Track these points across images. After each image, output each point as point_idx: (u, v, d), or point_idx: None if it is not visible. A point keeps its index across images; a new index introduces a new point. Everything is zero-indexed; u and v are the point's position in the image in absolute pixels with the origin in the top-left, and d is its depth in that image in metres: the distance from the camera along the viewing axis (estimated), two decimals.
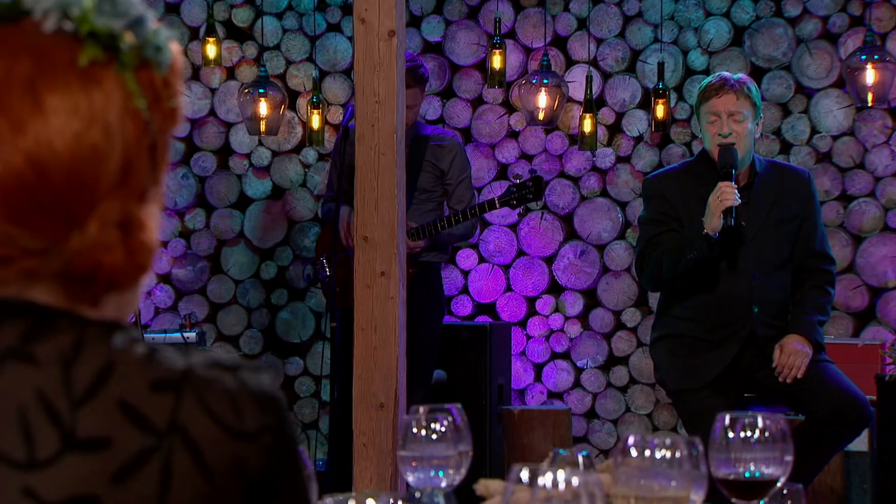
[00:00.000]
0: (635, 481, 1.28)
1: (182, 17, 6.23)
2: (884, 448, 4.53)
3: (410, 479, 1.51)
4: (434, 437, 1.53)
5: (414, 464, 1.50)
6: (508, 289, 6.00)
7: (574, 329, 5.93)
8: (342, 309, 5.11)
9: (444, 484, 1.50)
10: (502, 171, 5.99)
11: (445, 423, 1.55)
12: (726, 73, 4.03)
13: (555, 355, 5.95)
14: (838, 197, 5.67)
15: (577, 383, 5.93)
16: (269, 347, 6.20)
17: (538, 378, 5.96)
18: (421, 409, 1.57)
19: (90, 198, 0.93)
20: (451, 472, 1.50)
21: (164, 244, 6.26)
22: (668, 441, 1.28)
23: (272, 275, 6.18)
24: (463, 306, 6.02)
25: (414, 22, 6.08)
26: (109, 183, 0.93)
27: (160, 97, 0.97)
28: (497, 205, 4.98)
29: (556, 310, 5.95)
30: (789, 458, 1.44)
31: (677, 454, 1.28)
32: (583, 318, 5.93)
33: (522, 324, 5.97)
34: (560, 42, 5.95)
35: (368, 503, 1.06)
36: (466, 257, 6.03)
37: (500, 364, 5.62)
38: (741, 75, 4.02)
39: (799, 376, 3.78)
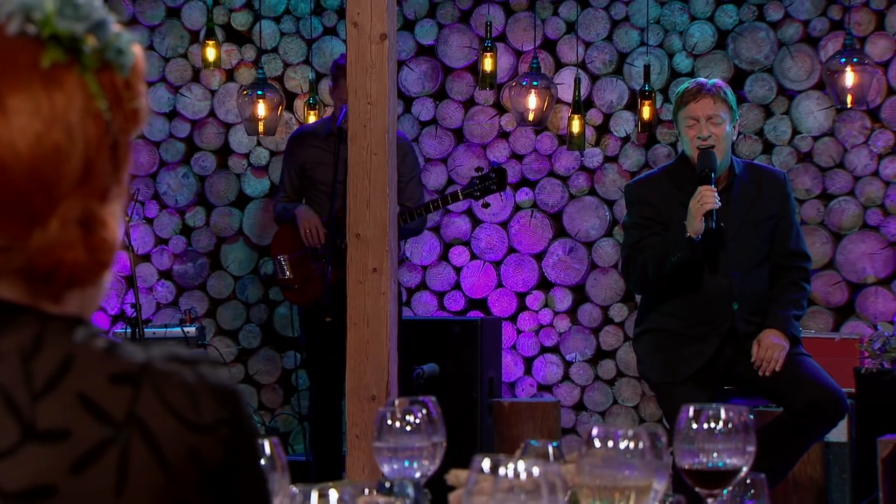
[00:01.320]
0: (598, 471, 1.28)
1: (182, 20, 6.23)
2: (862, 439, 4.53)
3: (385, 469, 1.50)
4: (409, 428, 1.52)
5: (388, 454, 1.50)
6: (499, 285, 6.00)
7: (563, 324, 5.93)
8: (301, 307, 5.11)
9: (417, 474, 1.50)
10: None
11: (420, 414, 1.54)
12: (702, 79, 4.03)
13: (544, 349, 5.95)
14: (819, 195, 5.67)
15: (565, 376, 5.92)
16: (267, 342, 6.20)
17: (528, 371, 5.96)
18: (397, 402, 1.56)
19: (52, 197, 0.93)
20: (425, 462, 1.50)
21: (166, 241, 6.25)
22: (630, 433, 1.28)
23: (270, 271, 6.18)
24: (455, 302, 6.02)
25: (408, 25, 6.07)
26: (71, 182, 0.93)
27: (122, 98, 0.97)
28: (460, 196, 4.97)
29: (546, 305, 5.95)
30: (751, 448, 1.44)
31: (640, 445, 1.28)
32: (571, 313, 5.92)
33: (513, 319, 5.97)
34: (549, 45, 5.95)
35: (331, 493, 1.06)
36: (459, 254, 6.03)
37: (490, 358, 5.62)
38: (717, 80, 4.02)
39: (777, 369, 3.78)
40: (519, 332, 5.97)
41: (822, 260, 5.63)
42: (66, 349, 0.92)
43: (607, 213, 5.88)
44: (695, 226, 3.74)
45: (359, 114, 3.91)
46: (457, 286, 6.03)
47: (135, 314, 5.27)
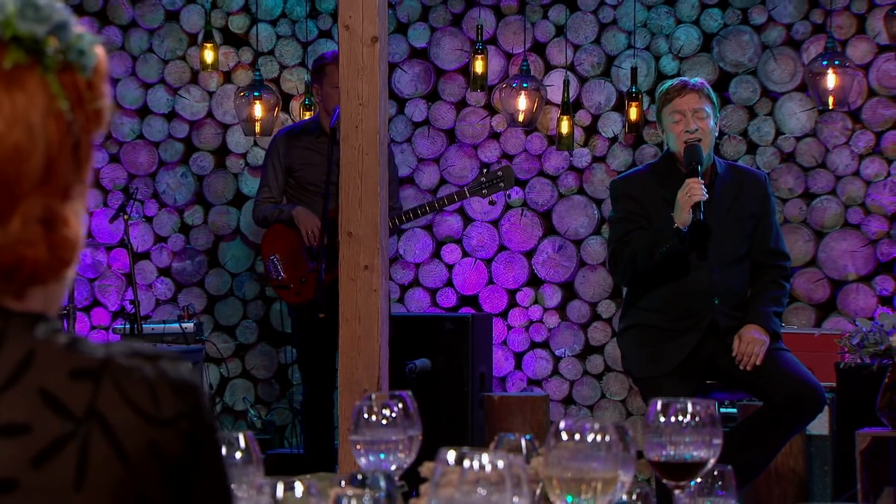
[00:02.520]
0: (566, 463, 1.27)
1: (181, 23, 6.22)
2: (842, 432, 4.53)
3: (362, 462, 1.50)
4: (384, 422, 1.52)
5: (362, 447, 1.50)
6: (490, 282, 6.00)
7: (552, 320, 5.92)
8: (294, 305, 5.08)
9: (393, 467, 1.49)
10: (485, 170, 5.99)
11: (397, 409, 1.54)
12: (685, 77, 4.03)
13: (534, 345, 5.95)
14: (801, 195, 5.67)
15: (555, 371, 5.92)
16: (264, 337, 6.19)
17: (518, 366, 5.96)
18: (374, 396, 1.56)
19: (13, 195, 0.92)
20: (400, 455, 1.50)
21: (165, 239, 6.25)
22: (597, 426, 1.28)
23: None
24: (447, 298, 6.02)
25: (401, 28, 6.07)
26: (32, 181, 0.93)
27: (84, 99, 0.96)
28: (467, 194, 4.95)
29: (536, 301, 5.95)
30: (718, 441, 1.44)
31: (607, 438, 1.28)
32: (561, 309, 5.92)
33: (504, 315, 5.97)
34: (539, 48, 5.95)
35: (296, 486, 1.06)
36: (451, 252, 6.03)
37: (481, 353, 5.62)
38: (698, 78, 4.01)
39: (758, 363, 3.78)
40: (509, 327, 5.97)
41: (804, 257, 5.63)
42: (28, 345, 0.92)
43: (595, 212, 5.88)
44: (682, 217, 3.74)
45: (350, 115, 3.91)
46: (449, 283, 6.03)
47: (134, 310, 5.26)
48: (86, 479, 0.89)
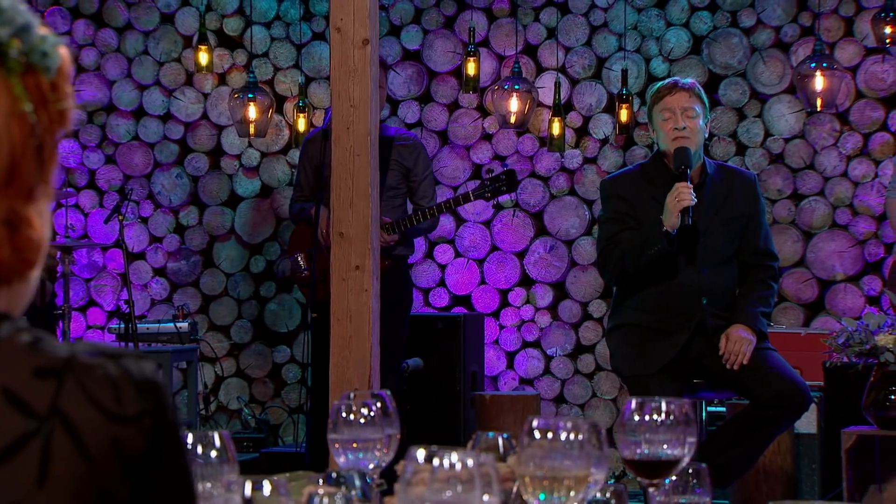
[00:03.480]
0: (538, 462, 1.27)
1: (176, 26, 6.22)
2: (829, 430, 4.53)
3: (341, 460, 1.50)
4: (363, 421, 1.52)
5: (340, 446, 1.50)
6: (483, 282, 6.00)
7: (544, 319, 5.92)
8: (323, 300, 5.08)
9: (371, 465, 1.49)
10: (477, 171, 5.99)
11: (375, 408, 1.54)
12: (676, 77, 4.02)
13: (526, 344, 5.95)
14: (790, 196, 5.67)
15: (546, 370, 5.92)
16: (259, 337, 6.19)
17: (510, 365, 5.96)
18: (353, 395, 1.56)
19: None
20: (378, 454, 1.50)
21: (160, 239, 6.25)
22: (569, 424, 1.28)
23: (261, 268, 6.18)
24: (440, 298, 6.02)
25: (394, 31, 6.07)
26: None
27: (47, 100, 0.96)
28: (472, 198, 4.95)
29: (528, 301, 5.95)
30: (692, 439, 1.44)
31: (580, 436, 1.28)
32: (552, 309, 5.92)
33: (496, 314, 5.97)
34: (531, 50, 5.95)
35: (264, 485, 1.05)
36: (443, 252, 6.03)
37: (473, 352, 5.62)
38: (689, 79, 4.01)
39: (745, 363, 3.78)
40: (501, 327, 5.97)
41: (793, 258, 5.63)
42: None
43: (587, 213, 5.88)
44: (671, 221, 3.74)
45: (342, 116, 3.91)
46: (441, 283, 6.03)
47: (127, 310, 5.26)
48: (48, 476, 0.89)
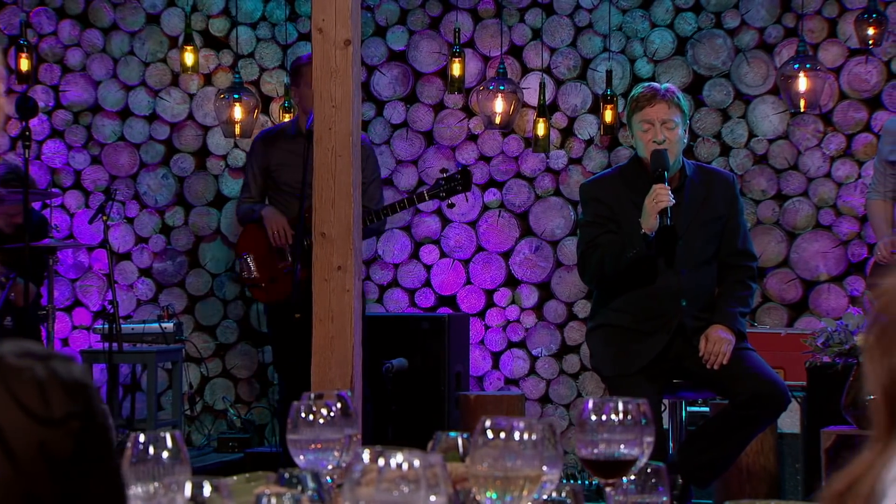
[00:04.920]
0: (490, 461, 1.27)
1: (162, 26, 6.22)
2: (812, 430, 4.54)
3: (300, 460, 1.50)
4: (322, 421, 1.52)
5: (301, 447, 1.49)
6: (468, 282, 6.00)
7: (529, 320, 5.93)
8: (269, 304, 5.08)
9: (330, 466, 1.49)
10: None
11: (335, 408, 1.53)
12: (655, 84, 4.02)
13: (511, 344, 5.95)
14: (774, 196, 5.68)
15: (532, 370, 5.93)
16: (244, 337, 6.19)
17: (496, 365, 5.96)
18: (312, 395, 1.56)
19: None
20: (336, 454, 1.50)
21: (146, 240, 6.24)
22: (522, 424, 1.28)
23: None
24: (426, 298, 6.02)
25: (379, 32, 6.07)
26: None
27: None
28: (426, 197, 4.96)
29: (513, 301, 5.95)
30: (649, 439, 1.44)
31: (534, 436, 1.28)
32: (537, 309, 5.93)
33: (481, 315, 5.97)
34: (516, 51, 5.95)
35: (204, 486, 1.05)
36: (429, 252, 6.03)
37: (458, 352, 5.62)
38: (669, 85, 4.01)
39: (724, 362, 3.79)
40: (487, 327, 5.97)
41: (776, 258, 5.64)
42: None
43: (572, 213, 5.88)
44: (649, 222, 3.75)
45: (324, 117, 3.91)
46: (427, 283, 6.03)
47: (112, 311, 5.25)
48: None
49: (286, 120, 5.86)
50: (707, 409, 4.97)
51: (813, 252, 5.61)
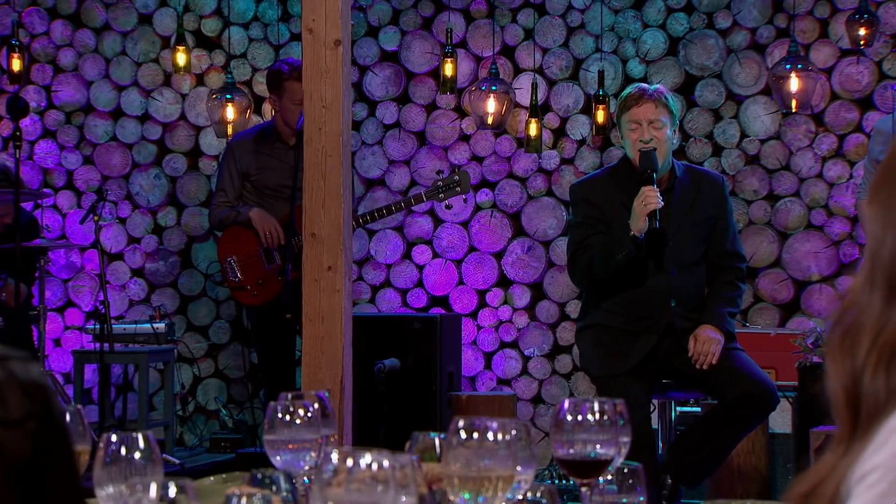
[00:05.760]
0: (463, 461, 1.27)
1: (154, 26, 6.22)
2: (803, 430, 4.54)
3: (277, 460, 1.50)
4: (298, 421, 1.52)
5: (278, 447, 1.49)
6: (461, 282, 6.00)
7: (522, 320, 5.93)
8: (252, 307, 5.07)
9: (307, 467, 1.49)
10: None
11: (312, 409, 1.54)
12: (644, 84, 4.03)
13: (504, 344, 5.95)
14: (766, 196, 5.69)
15: (524, 371, 5.93)
16: (236, 337, 6.19)
17: (488, 366, 5.96)
18: (290, 395, 1.56)
19: None
20: (313, 455, 1.50)
21: (138, 240, 6.24)
22: (495, 424, 1.28)
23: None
24: (418, 299, 6.02)
25: (371, 32, 6.07)
26: None
27: None
28: (424, 198, 4.96)
29: (505, 302, 5.95)
30: (625, 439, 1.44)
31: (507, 436, 1.28)
32: (530, 309, 5.93)
33: (474, 315, 5.97)
34: (508, 51, 5.95)
35: (169, 487, 1.05)
36: (421, 253, 6.03)
37: (450, 353, 5.62)
38: (658, 86, 4.02)
39: (714, 362, 3.79)
40: (479, 327, 5.97)
41: (768, 258, 5.64)
42: None
43: (564, 214, 5.88)
44: (638, 225, 3.75)
45: (314, 117, 3.91)
46: (419, 284, 6.03)
47: (103, 311, 5.25)
48: None
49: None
50: (699, 409, 4.97)
51: (805, 252, 5.62)
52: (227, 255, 5.09)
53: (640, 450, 3.64)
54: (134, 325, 5.61)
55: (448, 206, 5.01)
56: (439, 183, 4.94)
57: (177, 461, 5.14)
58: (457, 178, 4.90)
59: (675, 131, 3.94)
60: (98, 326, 5.30)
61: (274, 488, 1.29)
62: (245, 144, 5.15)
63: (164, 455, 5.18)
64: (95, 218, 5.29)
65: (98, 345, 5.25)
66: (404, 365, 5.48)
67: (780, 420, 5.02)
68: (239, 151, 5.12)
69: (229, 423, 6.01)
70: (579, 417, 1.43)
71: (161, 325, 5.62)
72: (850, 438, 1.00)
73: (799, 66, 5.19)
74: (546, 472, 5.38)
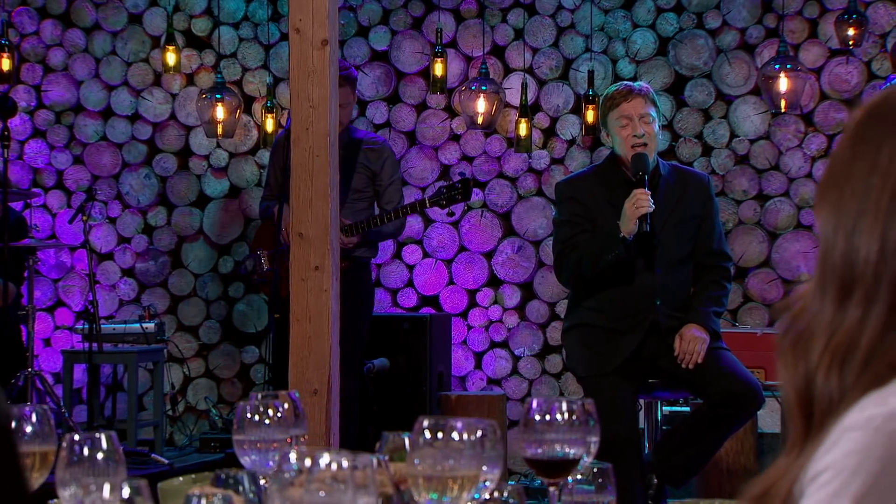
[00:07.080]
0: (428, 461, 1.27)
1: (144, 26, 6.21)
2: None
3: (245, 461, 1.50)
4: (267, 421, 1.52)
5: (247, 447, 1.49)
6: (451, 282, 6.00)
7: (512, 320, 5.93)
8: (286, 298, 5.10)
9: (275, 467, 1.49)
10: (444, 172, 5.99)
11: (282, 408, 1.54)
12: (628, 81, 4.03)
13: (494, 344, 5.95)
14: (755, 196, 5.69)
15: (514, 370, 5.93)
16: (227, 337, 6.19)
17: (478, 366, 5.96)
18: (260, 395, 1.56)
19: None
20: None
21: (128, 240, 6.24)
22: (459, 424, 1.28)
23: (229, 269, 6.17)
24: (408, 298, 6.02)
25: (361, 32, 6.07)
26: None
27: None
28: (427, 204, 4.98)
29: (495, 301, 5.96)
30: (593, 439, 1.45)
31: (472, 436, 1.28)
32: (520, 309, 5.93)
33: (464, 315, 5.97)
34: (498, 51, 5.96)
35: (124, 487, 1.05)
36: (411, 253, 6.03)
37: (440, 353, 5.62)
38: (642, 83, 4.02)
39: (699, 361, 3.79)
40: (469, 327, 5.97)
41: (758, 258, 5.65)
42: None
43: (554, 213, 5.88)
44: (629, 227, 3.75)
45: (301, 118, 3.91)
46: (409, 283, 6.03)
47: (92, 311, 5.24)
48: None
49: (270, 121, 5.87)
50: (688, 409, 4.97)
51: (794, 252, 5.63)
52: (257, 248, 5.16)
53: (626, 449, 3.67)
54: (124, 325, 5.61)
55: (450, 213, 5.07)
56: (443, 190, 4.97)
57: (166, 461, 5.14)
58: (459, 185, 4.94)
59: (660, 128, 3.95)
60: (88, 326, 5.30)
61: (239, 489, 1.29)
62: (286, 140, 5.18)
63: (153, 455, 5.20)
64: (85, 218, 5.29)
65: (88, 345, 5.25)
66: (394, 365, 5.48)
67: (769, 419, 5.03)
68: (281, 147, 5.14)
69: (219, 423, 6.01)
70: (548, 417, 1.43)
71: (151, 325, 5.61)
72: (803, 441, 1.00)
73: (788, 66, 5.20)
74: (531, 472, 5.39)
